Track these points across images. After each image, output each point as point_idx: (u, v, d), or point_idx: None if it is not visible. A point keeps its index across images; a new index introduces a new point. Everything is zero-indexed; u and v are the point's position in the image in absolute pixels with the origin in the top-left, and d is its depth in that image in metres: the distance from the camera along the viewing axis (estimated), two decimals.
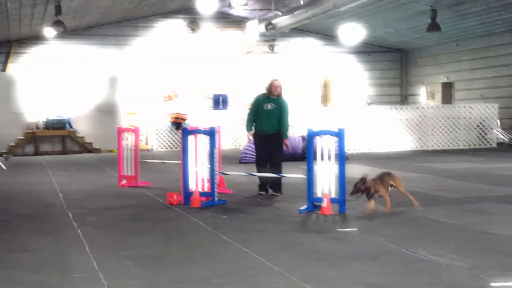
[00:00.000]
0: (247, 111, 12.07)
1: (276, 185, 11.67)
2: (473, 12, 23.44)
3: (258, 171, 11.66)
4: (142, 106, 26.98)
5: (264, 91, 11.90)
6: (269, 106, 11.60)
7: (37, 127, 24.69)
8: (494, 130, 23.15)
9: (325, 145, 9.82)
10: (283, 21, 24.66)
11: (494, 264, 6.31)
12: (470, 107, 23.28)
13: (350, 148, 21.46)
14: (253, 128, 11.82)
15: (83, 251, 7.18)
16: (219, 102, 29.20)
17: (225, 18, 29.36)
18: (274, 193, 11.65)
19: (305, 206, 9.66)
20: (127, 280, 5.94)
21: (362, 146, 22.12)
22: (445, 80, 28.87)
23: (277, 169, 11.49)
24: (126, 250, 7.21)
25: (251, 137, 11.90)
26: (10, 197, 12.10)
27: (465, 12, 23.52)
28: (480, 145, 22.97)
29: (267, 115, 11.58)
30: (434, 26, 22.77)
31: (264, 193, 11.66)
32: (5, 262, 6.75)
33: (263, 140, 11.67)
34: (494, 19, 23.64)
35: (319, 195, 9.63)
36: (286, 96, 12.00)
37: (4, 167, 17.92)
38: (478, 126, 23.06)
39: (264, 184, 11.75)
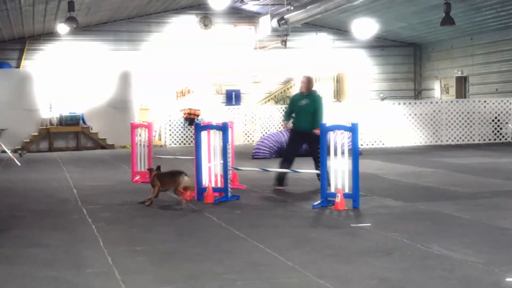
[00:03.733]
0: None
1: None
2: (487, 5, 23.29)
3: (281, 165, 11.79)
4: (155, 102, 27.04)
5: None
6: (303, 102, 11.77)
7: (51, 123, 24.80)
8: (509, 125, 23.00)
9: (338, 140, 9.79)
10: (295, 16, 24.61)
11: (509, 259, 6.27)
12: (484, 101, 23.13)
13: (364, 143, 21.40)
14: (290, 122, 12.18)
15: (97, 247, 7.20)
16: (232, 97, 29.21)
17: (238, 14, 29.35)
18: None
19: (319, 202, 9.64)
20: (141, 275, 5.95)
21: (375, 141, 22.05)
22: (459, 74, 28.73)
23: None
24: (140, 246, 7.22)
25: (287, 126, 12.38)
26: (25, 193, 12.15)
27: (480, 5, 23.38)
28: (495, 139, 22.83)
29: (301, 110, 11.72)
30: (448, 20, 22.62)
31: (281, 187, 11.69)
32: (20, 257, 6.78)
33: (297, 136, 11.89)
34: (509, 12, 23.48)
35: (332, 190, 9.60)
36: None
37: (19, 163, 18.01)
38: (493, 120, 22.91)
39: (282, 179, 11.80)
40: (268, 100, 29.66)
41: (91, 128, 25.01)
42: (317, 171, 10.95)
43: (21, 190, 12.68)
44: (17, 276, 6.03)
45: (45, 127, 24.72)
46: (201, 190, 10.60)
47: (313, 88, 12.04)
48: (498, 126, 22.93)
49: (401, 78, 31.64)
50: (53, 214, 9.65)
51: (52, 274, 6.06)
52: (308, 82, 11.89)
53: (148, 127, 13.92)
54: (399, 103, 22.97)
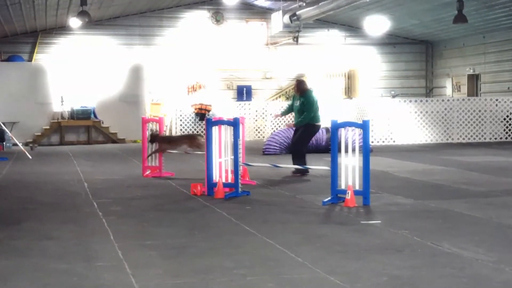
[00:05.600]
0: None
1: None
2: (500, 3, 23.18)
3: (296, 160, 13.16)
4: (166, 97, 27.09)
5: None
6: (298, 103, 13.18)
7: (62, 117, 24.89)
8: None
9: (349, 137, 9.78)
10: (307, 12, 24.59)
11: None
12: (496, 99, 23.03)
13: (374, 140, 21.37)
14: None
15: (108, 240, 7.23)
16: (243, 93, 29.21)
17: (250, 9, 29.34)
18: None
19: (329, 198, 9.63)
20: (151, 269, 5.97)
21: (386, 138, 22.01)
22: (471, 72, 28.61)
23: (297, 156, 13.16)
24: (150, 240, 7.24)
25: (276, 116, 14.77)
26: (36, 186, 12.21)
27: (492, 3, 23.27)
28: (506, 138, 22.74)
29: (296, 111, 13.30)
30: (460, 18, 22.53)
31: (298, 174, 13.04)
32: (30, 250, 6.82)
33: (295, 131, 13.57)
34: None
35: (343, 187, 9.59)
36: (310, 88, 13.19)
37: (30, 156, 18.09)
38: (504, 119, 22.82)
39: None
40: (279, 96, 29.65)
41: (102, 122, 25.09)
42: (299, 167, 12.34)
43: (32, 183, 12.74)
44: (28, 268, 6.06)
45: (56, 121, 24.82)
46: (211, 185, 10.61)
47: (308, 88, 13.40)
48: (510, 124, 22.83)
49: (413, 76, 31.55)
50: (64, 207, 9.69)
51: (63, 267, 6.09)
52: (296, 85, 13.37)
53: (159, 121, 13.95)
54: (410, 101, 22.91)
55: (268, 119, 25.43)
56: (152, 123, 14.11)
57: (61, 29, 27.18)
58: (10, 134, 20.99)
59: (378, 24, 25.90)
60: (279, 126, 24.66)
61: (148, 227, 8.11)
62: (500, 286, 5.38)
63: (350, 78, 29.83)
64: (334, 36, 30.36)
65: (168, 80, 27.88)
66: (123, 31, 28.17)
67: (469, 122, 22.60)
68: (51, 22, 25.95)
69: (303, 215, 8.84)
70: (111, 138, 24.95)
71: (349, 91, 29.77)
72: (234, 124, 10.63)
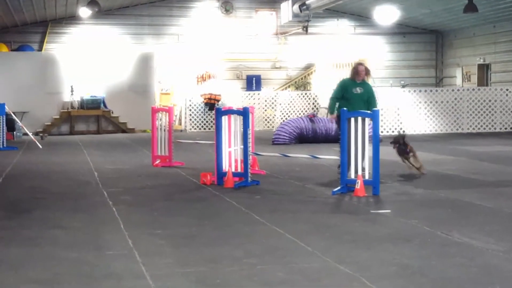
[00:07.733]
0: (331, 95, 11.66)
1: None
2: None
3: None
4: (175, 87, 27.11)
5: (348, 76, 11.61)
6: (358, 90, 11.31)
7: (72, 107, 24.94)
8: None
9: (359, 127, 9.75)
10: (317, 1, 24.48)
11: None
12: (507, 89, 22.91)
13: (384, 130, 21.31)
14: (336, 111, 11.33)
15: (118, 229, 7.26)
16: (252, 83, 29.19)
17: None
18: None
19: (339, 188, 9.63)
20: (161, 258, 5.99)
21: (396, 128, 21.95)
22: (481, 62, 28.47)
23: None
24: (160, 229, 7.26)
25: (333, 120, 11.67)
26: (46, 176, 12.26)
27: None
28: None
29: (358, 99, 11.27)
30: (470, 7, 22.41)
31: None
32: (41, 239, 6.85)
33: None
34: None
35: (352, 176, 9.58)
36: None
37: (40, 146, 18.15)
38: None
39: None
40: (289, 86, 29.61)
41: (112, 112, 25.13)
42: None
43: (42, 172, 12.79)
44: (39, 257, 6.10)
45: (66, 110, 24.89)
46: (221, 175, 10.62)
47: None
48: None
49: (423, 66, 31.42)
50: (74, 197, 9.73)
51: (73, 256, 6.11)
52: (365, 72, 11.42)
53: (169, 111, 13.96)
54: (420, 91, 22.83)
55: (277, 109, 25.40)
56: (162, 112, 14.12)
57: (71, 18, 27.19)
58: (20, 124, 21.07)
59: (387, 13, 25.80)
60: (289, 116, 24.63)
61: (158, 216, 8.14)
62: (511, 276, 5.37)
63: None
64: (343, 26, 30.25)
65: (177, 69, 27.87)
66: (132, 21, 28.15)
67: (479, 112, 22.51)
68: (61, 12, 25.96)
69: (312, 204, 8.84)
70: (121, 128, 25.00)
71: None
72: (244, 113, 10.63)
